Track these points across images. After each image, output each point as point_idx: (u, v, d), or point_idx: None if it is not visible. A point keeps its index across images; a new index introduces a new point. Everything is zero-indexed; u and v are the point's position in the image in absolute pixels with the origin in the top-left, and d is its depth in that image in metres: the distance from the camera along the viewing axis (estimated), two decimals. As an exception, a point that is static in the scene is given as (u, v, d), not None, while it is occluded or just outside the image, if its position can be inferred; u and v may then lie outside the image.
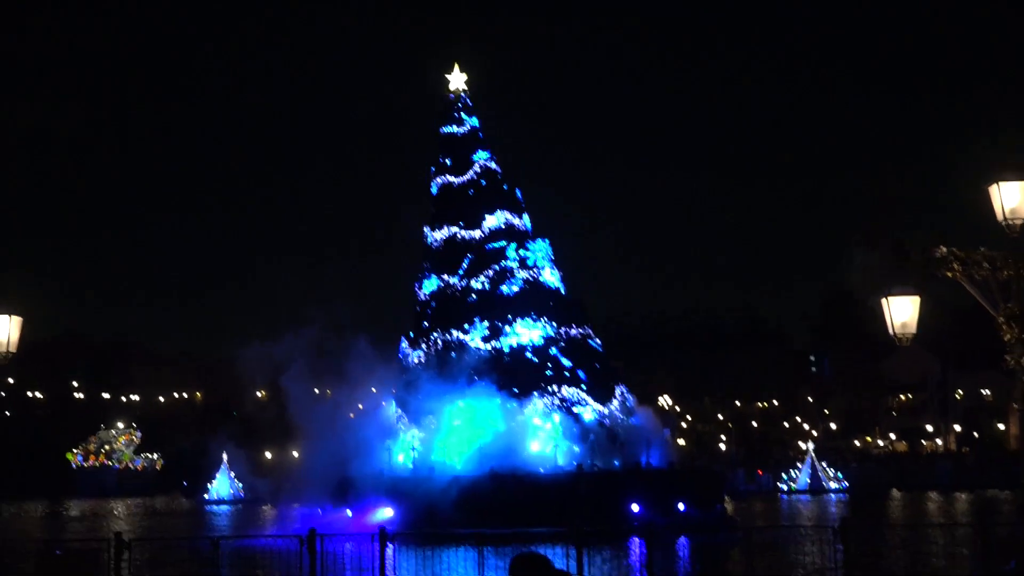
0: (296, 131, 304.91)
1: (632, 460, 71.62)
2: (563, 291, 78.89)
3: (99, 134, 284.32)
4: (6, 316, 19.13)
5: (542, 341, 75.27)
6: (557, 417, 72.42)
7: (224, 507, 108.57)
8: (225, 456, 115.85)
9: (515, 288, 76.81)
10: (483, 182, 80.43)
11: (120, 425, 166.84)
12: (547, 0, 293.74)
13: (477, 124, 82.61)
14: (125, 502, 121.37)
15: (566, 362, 75.07)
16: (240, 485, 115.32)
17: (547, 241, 79.70)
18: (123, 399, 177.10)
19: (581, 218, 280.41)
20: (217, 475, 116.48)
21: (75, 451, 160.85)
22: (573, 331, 76.56)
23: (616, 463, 71.28)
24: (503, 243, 78.13)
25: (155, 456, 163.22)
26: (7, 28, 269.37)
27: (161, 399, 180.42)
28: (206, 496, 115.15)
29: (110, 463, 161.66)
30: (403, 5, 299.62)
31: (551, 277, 78.48)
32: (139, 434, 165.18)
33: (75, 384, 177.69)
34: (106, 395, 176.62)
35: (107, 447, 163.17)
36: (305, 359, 72.25)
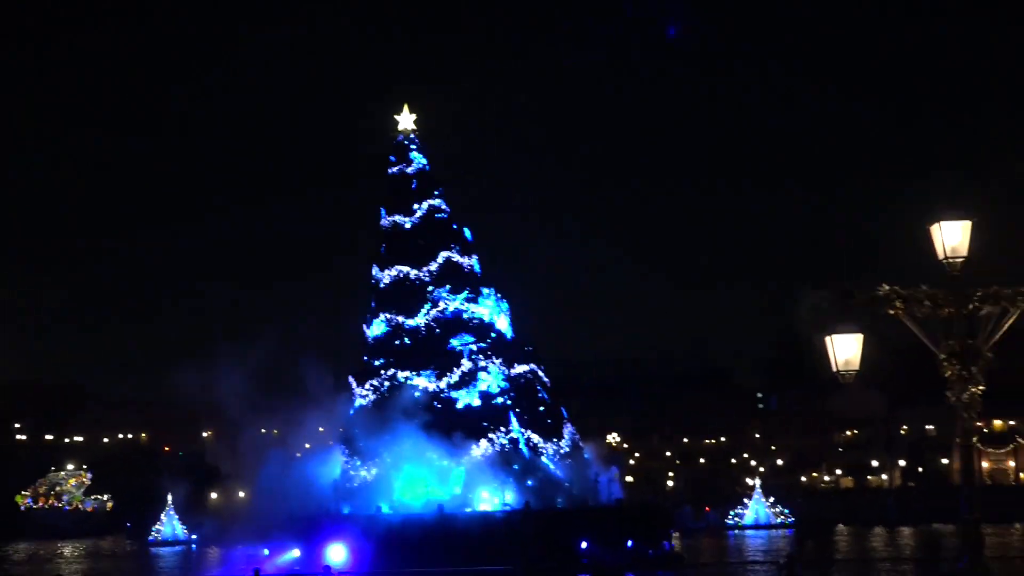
0: (251, 163, 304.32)
1: (580, 498, 71.62)
2: (512, 332, 78.92)
3: (43, 172, 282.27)
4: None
5: (490, 381, 75.17)
6: (505, 456, 72.35)
7: (168, 548, 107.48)
8: (170, 497, 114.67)
9: (463, 329, 76.74)
10: (432, 222, 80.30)
11: (70, 467, 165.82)
12: (501, 39, 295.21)
13: (426, 164, 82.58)
14: (72, 544, 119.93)
15: (514, 402, 75.03)
16: (184, 527, 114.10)
17: (495, 292, 79.61)
18: (67, 440, 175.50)
19: (531, 260, 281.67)
20: (162, 516, 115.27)
21: (24, 493, 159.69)
22: (522, 371, 76.55)
23: (563, 502, 71.22)
24: (451, 284, 78.01)
25: (105, 498, 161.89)
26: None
27: (106, 440, 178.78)
28: (150, 538, 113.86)
29: (60, 505, 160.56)
30: (359, 43, 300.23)
31: (500, 320, 78.53)
32: (89, 476, 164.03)
33: (17, 426, 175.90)
34: (49, 436, 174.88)
35: (57, 489, 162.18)
36: (244, 368, 71.74)
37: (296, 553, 65.01)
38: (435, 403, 74.12)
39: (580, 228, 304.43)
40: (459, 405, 74.26)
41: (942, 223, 17.67)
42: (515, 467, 71.99)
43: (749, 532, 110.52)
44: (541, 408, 76.23)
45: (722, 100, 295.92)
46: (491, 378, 75.25)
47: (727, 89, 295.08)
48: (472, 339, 76.30)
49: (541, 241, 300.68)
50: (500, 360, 76.09)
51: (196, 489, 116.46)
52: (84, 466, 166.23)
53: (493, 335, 77.24)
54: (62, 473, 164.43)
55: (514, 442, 73.25)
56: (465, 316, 77.12)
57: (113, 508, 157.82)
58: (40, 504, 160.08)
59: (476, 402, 74.44)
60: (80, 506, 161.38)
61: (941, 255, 17.66)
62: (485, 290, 78.87)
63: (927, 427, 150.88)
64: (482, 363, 75.51)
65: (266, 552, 66.43)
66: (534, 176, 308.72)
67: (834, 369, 18.09)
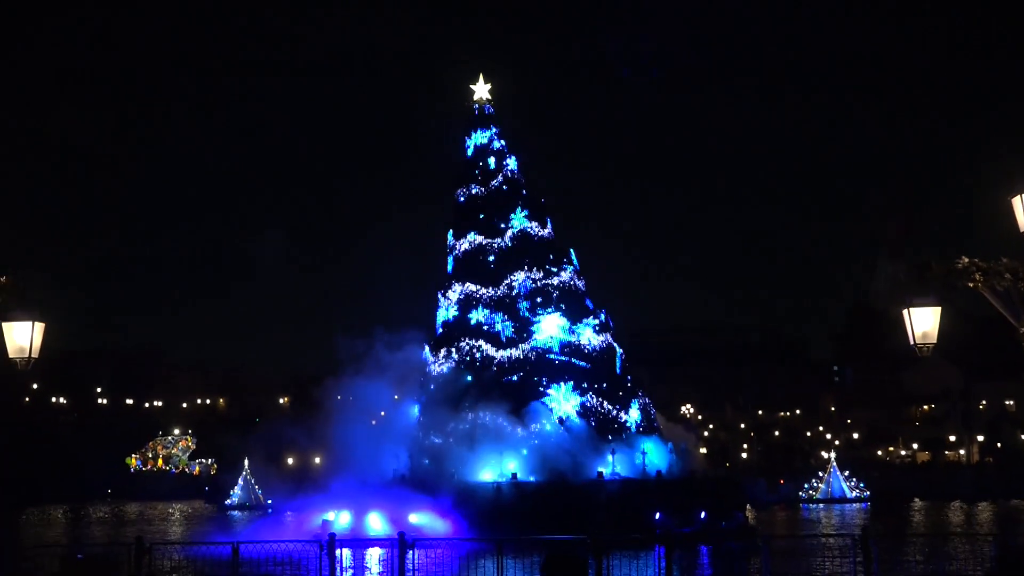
0: (321, 140, 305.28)
1: (653, 469, 71.56)
2: (587, 303, 78.68)
3: (121, 146, 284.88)
4: (29, 323, 19.22)
5: (565, 351, 75.12)
6: (579, 427, 72.47)
7: (243, 513, 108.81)
8: (246, 462, 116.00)
9: (538, 297, 76.73)
10: (506, 190, 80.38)
11: (176, 431, 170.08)
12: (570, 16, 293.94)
13: (501, 134, 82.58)
14: (158, 505, 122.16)
15: (588, 372, 74.96)
16: (260, 491, 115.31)
17: (569, 263, 79.34)
18: (146, 405, 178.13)
19: (606, 231, 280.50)
20: (239, 480, 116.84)
21: (134, 456, 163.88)
22: (596, 342, 76.39)
23: (634, 472, 71.20)
24: (527, 255, 77.98)
25: (209, 461, 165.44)
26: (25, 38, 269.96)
27: (185, 405, 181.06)
28: (227, 502, 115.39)
29: (167, 468, 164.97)
30: (434, 16, 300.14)
31: (575, 288, 78.36)
32: (194, 440, 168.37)
33: (99, 390, 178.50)
34: (129, 400, 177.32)
35: (164, 452, 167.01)
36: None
37: (376, 520, 65.08)
38: (510, 373, 74.28)
39: (650, 194, 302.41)
40: (533, 373, 74.33)
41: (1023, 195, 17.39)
42: (588, 436, 72.04)
43: (823, 506, 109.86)
44: (615, 378, 76.09)
45: (801, 63, 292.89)
46: (566, 347, 75.19)
47: (808, 45, 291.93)
48: (547, 307, 76.30)
49: (610, 208, 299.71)
50: (575, 326, 76.03)
51: (273, 454, 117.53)
52: (189, 431, 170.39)
53: (568, 303, 77.10)
54: (169, 437, 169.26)
55: (587, 411, 73.27)
56: (542, 286, 77.07)
57: (218, 471, 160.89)
58: (148, 467, 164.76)
59: (550, 371, 74.45)
60: (186, 469, 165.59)
61: (1023, 227, 17.36)
62: (561, 260, 78.81)
63: (1006, 402, 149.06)
64: (557, 332, 75.49)
65: (331, 517, 66.64)
66: (603, 141, 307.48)
67: (911, 342, 17.89)
